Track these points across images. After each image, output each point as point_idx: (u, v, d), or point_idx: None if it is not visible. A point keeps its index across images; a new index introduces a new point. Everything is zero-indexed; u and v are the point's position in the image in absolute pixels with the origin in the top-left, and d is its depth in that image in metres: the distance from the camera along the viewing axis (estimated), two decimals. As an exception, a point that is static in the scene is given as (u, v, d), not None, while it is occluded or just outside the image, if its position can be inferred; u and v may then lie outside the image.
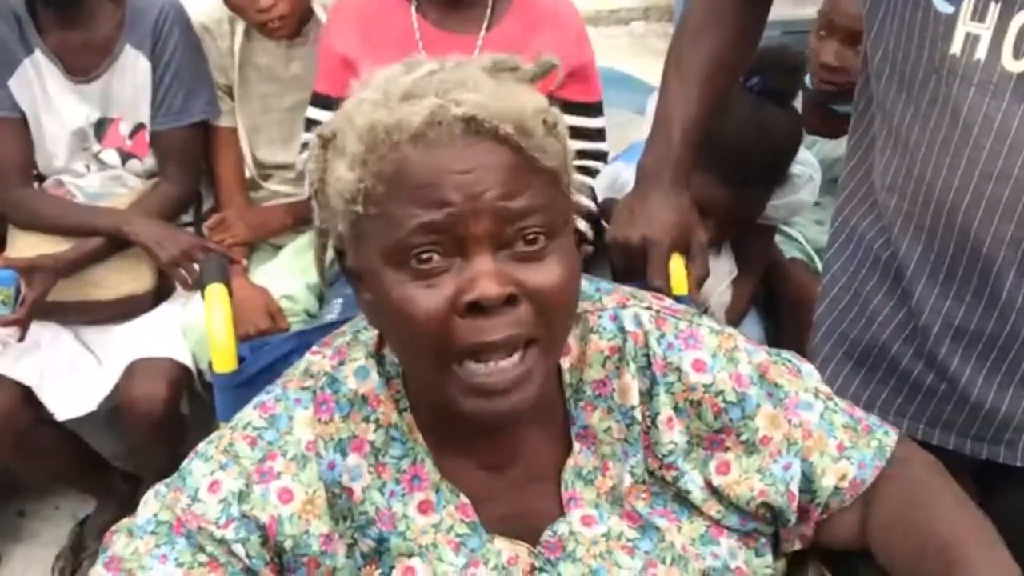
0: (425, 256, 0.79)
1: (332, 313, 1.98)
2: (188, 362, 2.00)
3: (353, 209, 0.80)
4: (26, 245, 2.03)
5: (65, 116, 2.06)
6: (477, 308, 0.78)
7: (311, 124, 1.98)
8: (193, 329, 2.00)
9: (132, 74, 2.06)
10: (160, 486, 0.90)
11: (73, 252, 2.00)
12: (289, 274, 2.14)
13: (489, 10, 1.92)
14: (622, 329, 0.95)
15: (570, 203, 0.86)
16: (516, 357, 0.80)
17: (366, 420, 0.91)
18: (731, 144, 1.70)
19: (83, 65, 2.04)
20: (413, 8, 1.92)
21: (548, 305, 0.80)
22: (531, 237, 0.80)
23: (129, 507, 2.35)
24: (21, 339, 1.92)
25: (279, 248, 2.26)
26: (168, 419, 1.94)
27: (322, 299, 2.12)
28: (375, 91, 0.81)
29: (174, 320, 2.05)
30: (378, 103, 0.80)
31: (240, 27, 2.13)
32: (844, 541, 1.00)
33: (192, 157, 2.17)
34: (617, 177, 1.86)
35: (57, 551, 2.23)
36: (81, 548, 2.22)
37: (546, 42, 1.83)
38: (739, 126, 1.72)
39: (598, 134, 2.01)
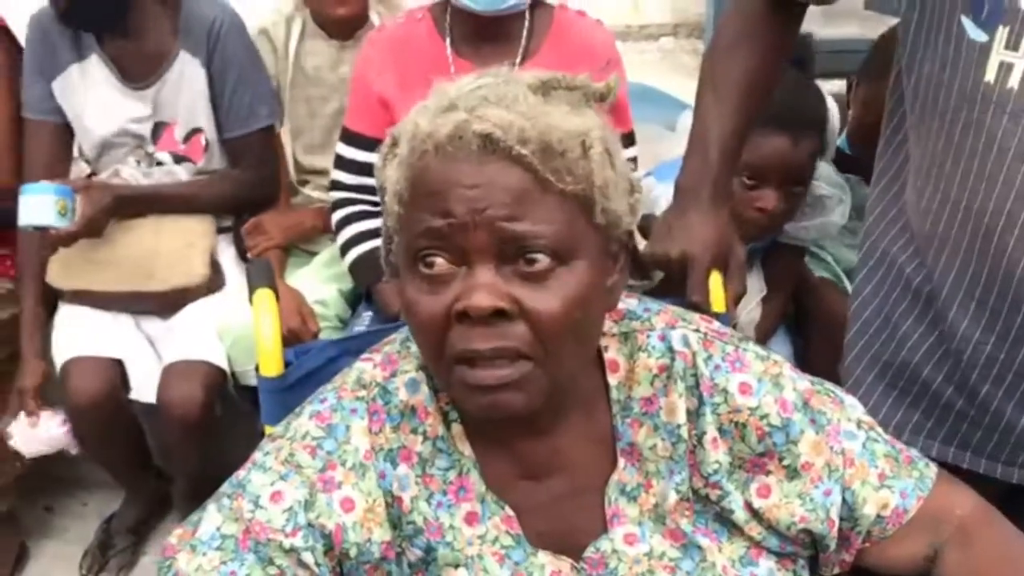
0: (429, 260, 0.82)
1: (362, 324, 2.00)
2: (224, 365, 2.02)
3: (394, 208, 0.85)
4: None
5: (118, 120, 2.09)
6: (467, 317, 0.81)
7: (340, 161, 1.98)
8: (229, 331, 2.02)
9: (187, 80, 2.09)
10: (222, 498, 0.89)
11: (127, 189, 2.06)
12: (322, 280, 2.16)
13: (524, 42, 1.90)
14: (671, 349, 0.95)
15: (603, 230, 0.86)
16: (505, 368, 0.82)
17: (414, 432, 0.92)
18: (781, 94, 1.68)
19: (139, 71, 2.08)
20: (447, 42, 1.90)
21: (543, 328, 0.82)
22: (531, 258, 0.82)
23: (157, 504, 2.38)
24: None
25: (313, 255, 2.28)
26: (202, 422, 1.97)
27: (354, 308, 2.14)
28: (434, 98, 0.86)
29: (211, 322, 2.07)
30: (428, 111, 0.84)
31: (296, 28, 2.17)
32: (893, 566, 1.00)
33: (264, 158, 2.20)
34: (648, 192, 1.87)
35: (84, 547, 2.25)
36: (109, 546, 2.24)
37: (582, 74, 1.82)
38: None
39: (631, 163, 2.01)
